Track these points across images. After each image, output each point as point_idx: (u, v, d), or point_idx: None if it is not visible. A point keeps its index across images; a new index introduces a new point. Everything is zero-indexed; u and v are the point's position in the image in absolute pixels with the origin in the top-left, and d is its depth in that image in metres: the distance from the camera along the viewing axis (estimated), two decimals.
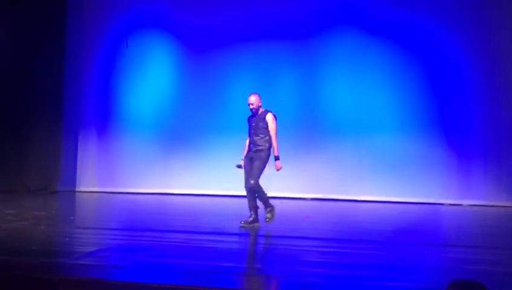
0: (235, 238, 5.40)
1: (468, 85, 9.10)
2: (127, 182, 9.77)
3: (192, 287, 3.60)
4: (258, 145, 5.80)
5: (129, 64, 10.10)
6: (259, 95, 5.96)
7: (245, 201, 5.92)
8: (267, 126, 5.82)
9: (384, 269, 4.18)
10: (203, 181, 9.26)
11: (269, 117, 5.84)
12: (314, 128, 9.54)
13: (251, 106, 5.88)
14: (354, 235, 5.84)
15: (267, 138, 5.82)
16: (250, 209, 5.81)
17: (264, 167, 5.77)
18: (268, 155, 5.80)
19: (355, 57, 9.45)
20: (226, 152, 9.60)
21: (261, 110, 5.92)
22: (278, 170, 5.78)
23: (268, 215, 5.81)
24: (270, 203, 5.86)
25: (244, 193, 5.91)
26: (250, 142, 5.92)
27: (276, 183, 9.41)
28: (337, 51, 9.51)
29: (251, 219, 5.82)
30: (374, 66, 9.40)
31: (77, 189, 10.02)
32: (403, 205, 8.76)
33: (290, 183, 9.42)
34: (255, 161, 5.76)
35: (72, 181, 10.06)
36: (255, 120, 5.88)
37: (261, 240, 5.40)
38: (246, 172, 5.84)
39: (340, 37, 9.48)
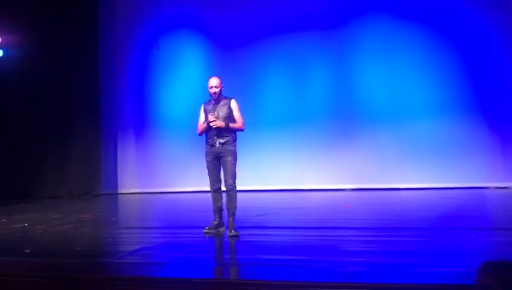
0: (275, 232, 5.39)
1: (507, 65, 8.76)
2: (167, 182, 9.88)
3: (236, 281, 3.61)
4: (224, 136, 5.08)
5: (161, 65, 10.21)
6: (221, 79, 5.23)
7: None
8: (231, 114, 5.15)
9: (430, 255, 4.08)
10: (240, 178, 9.24)
11: (234, 104, 5.15)
12: (350, 117, 9.40)
13: (214, 90, 5.10)
14: (397, 223, 5.74)
15: None
16: (215, 212, 5.20)
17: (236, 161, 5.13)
18: (236, 146, 5.15)
19: (388, 42, 9.25)
20: (262, 147, 9.64)
21: (221, 96, 5.19)
22: (213, 120, 5.00)
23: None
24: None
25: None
26: (210, 134, 5.12)
27: (314, 174, 9.42)
28: (370, 37, 9.32)
29: (215, 222, 5.19)
30: (409, 50, 9.17)
31: (119, 191, 10.21)
32: (446, 190, 8.54)
33: (328, 175, 9.36)
34: (227, 158, 5.07)
35: (114, 184, 10.26)
36: (216, 108, 5.12)
37: (299, 232, 5.36)
38: (213, 171, 5.13)
39: (371, 24, 9.29)
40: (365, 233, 5.17)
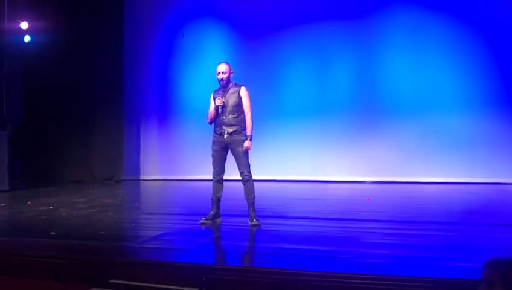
0: (295, 222, 5.42)
1: None
2: (188, 169, 9.96)
3: (256, 269, 3.66)
4: (233, 125, 5.01)
5: (185, 53, 10.27)
6: (229, 65, 5.12)
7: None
8: (241, 102, 5.07)
9: (452, 249, 4.06)
10: (261, 167, 9.25)
11: (244, 92, 5.04)
12: (373, 109, 9.32)
13: (222, 76, 5.01)
14: (419, 216, 5.71)
15: (242, 116, 5.06)
16: (213, 203, 5.15)
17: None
18: (246, 136, 5.05)
19: (414, 34, 9.11)
20: (284, 137, 9.65)
21: (231, 83, 5.10)
22: (246, 150, 5.00)
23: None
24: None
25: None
26: (218, 123, 5.06)
27: (336, 166, 9.40)
28: (396, 28, 9.21)
29: (212, 213, 5.15)
30: (435, 42, 9.02)
31: (141, 177, 10.33)
32: (471, 185, 8.42)
33: (350, 166, 9.32)
34: (237, 148, 4.99)
35: (136, 170, 10.39)
36: (226, 95, 5.04)
37: (320, 223, 5.38)
38: (219, 161, 5.09)
39: (398, 14, 9.18)
40: (386, 226, 5.16)
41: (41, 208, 6.36)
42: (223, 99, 5.04)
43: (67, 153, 9.90)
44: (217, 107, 5.06)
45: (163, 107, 10.53)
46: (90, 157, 10.01)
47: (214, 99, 5.12)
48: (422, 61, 9.09)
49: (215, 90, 5.21)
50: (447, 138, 8.93)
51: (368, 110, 9.33)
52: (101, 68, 9.90)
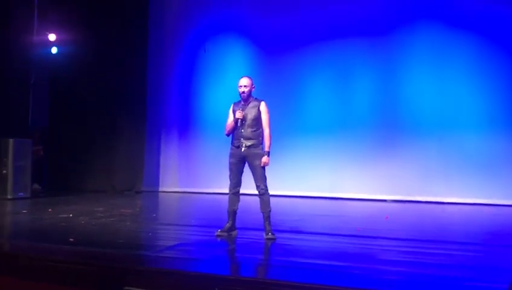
0: (311, 237, 5.42)
1: None
2: (207, 182, 10.02)
3: (267, 280, 3.67)
4: (251, 139, 5.06)
5: (207, 68, 10.42)
6: (252, 79, 5.19)
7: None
8: (260, 117, 5.12)
9: (472, 269, 4.01)
10: (279, 182, 9.27)
11: (264, 107, 5.11)
12: (395, 127, 9.26)
13: (244, 89, 5.09)
14: (439, 236, 5.65)
15: (260, 130, 5.11)
16: (229, 215, 5.19)
17: None
18: (263, 150, 5.10)
19: (437, 51, 9.07)
20: (303, 153, 9.65)
21: (251, 98, 5.17)
22: (264, 166, 5.07)
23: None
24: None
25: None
26: (236, 136, 5.11)
27: (355, 183, 9.34)
28: (418, 46, 9.18)
29: (228, 225, 5.18)
30: (458, 60, 8.95)
31: (160, 189, 10.44)
32: (494, 207, 8.27)
33: (369, 184, 9.25)
34: (254, 161, 5.05)
35: (156, 182, 10.51)
36: (246, 108, 5.10)
37: (336, 239, 5.36)
38: (236, 174, 5.13)
39: (421, 32, 9.15)
40: (404, 244, 5.12)
41: (61, 216, 6.49)
42: (243, 113, 5.11)
43: (89, 162, 10.04)
44: (236, 120, 5.12)
45: (184, 120, 10.67)
46: (111, 168, 10.14)
47: (234, 111, 5.17)
48: (444, 79, 9.02)
49: (235, 103, 5.27)
50: (469, 158, 8.80)
51: (389, 127, 9.28)
52: (125, 80, 10.09)
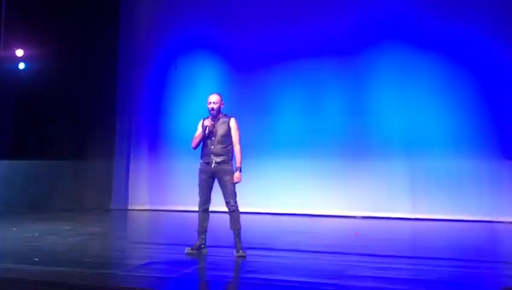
0: (282, 254, 5.43)
1: None
2: (177, 200, 9.94)
3: None
4: (221, 155, 5.12)
5: (178, 84, 10.40)
6: (221, 96, 5.30)
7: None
8: (230, 133, 5.21)
9: (442, 284, 4.07)
10: (250, 199, 9.26)
11: (233, 123, 5.20)
12: (364, 145, 9.40)
13: (213, 106, 5.16)
14: (408, 251, 5.74)
15: (230, 146, 5.19)
16: (199, 233, 5.21)
17: None
18: (232, 165, 5.18)
19: (404, 71, 9.29)
20: (274, 170, 9.69)
21: (221, 114, 5.25)
22: (236, 182, 5.12)
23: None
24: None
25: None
26: (206, 152, 5.16)
27: (325, 200, 9.43)
28: (386, 65, 9.40)
29: (198, 243, 5.21)
30: (425, 80, 9.19)
31: (130, 207, 10.31)
32: (459, 222, 8.48)
33: (339, 201, 9.35)
34: (224, 177, 5.09)
35: (125, 200, 10.37)
36: (216, 125, 5.18)
37: (307, 255, 5.39)
38: (206, 189, 5.17)
39: (388, 52, 9.39)
40: (374, 260, 5.16)
41: (27, 235, 6.32)
42: (213, 123, 5.13)
43: (56, 181, 9.87)
44: (204, 129, 5.12)
45: (154, 136, 10.58)
46: (79, 186, 9.99)
47: (203, 126, 5.19)
48: (411, 98, 9.22)
49: (204, 118, 5.29)
50: (435, 175, 9.00)
51: (358, 145, 9.41)
52: (94, 96, 9.99)
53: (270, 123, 9.98)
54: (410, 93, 9.25)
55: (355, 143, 9.44)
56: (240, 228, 5.13)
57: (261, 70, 10.02)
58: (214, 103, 5.19)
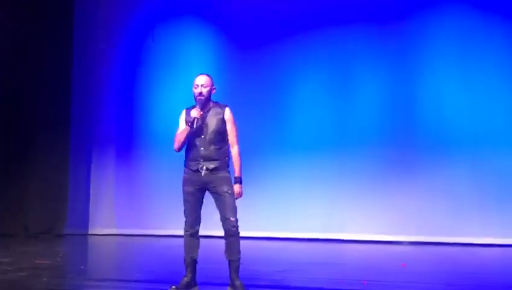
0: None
1: None
2: (155, 221, 10.01)
3: None
4: (214, 160, 5.04)
5: (156, 64, 10.46)
6: (212, 79, 5.20)
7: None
8: (225, 129, 5.14)
9: None
10: (254, 220, 9.20)
11: (229, 114, 5.15)
12: (411, 146, 9.45)
13: (201, 89, 5.07)
14: (472, 288, 5.67)
15: (225, 147, 5.14)
16: (187, 266, 5.16)
17: None
18: (229, 173, 5.14)
19: (466, 44, 9.32)
20: (287, 181, 9.65)
21: (211, 102, 5.17)
22: (237, 197, 5.09)
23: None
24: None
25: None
26: (193, 156, 5.09)
27: (358, 220, 9.39)
28: (441, 36, 9.41)
29: (186, 279, 5.12)
30: (494, 55, 9.22)
31: (90, 232, 10.37)
32: None
33: (377, 222, 9.38)
34: (221, 188, 5.02)
35: (84, 222, 10.43)
36: (205, 117, 5.10)
37: None
38: (194, 206, 5.11)
39: (443, 17, 9.39)
40: None
41: None
42: (201, 112, 5.06)
43: None
44: (191, 122, 5.02)
45: (123, 136, 10.65)
46: (22, 204, 10.01)
47: (186, 121, 5.13)
48: (476, 81, 9.25)
49: (187, 108, 5.22)
50: (510, 186, 9.00)
51: (402, 146, 9.45)
52: (40, 87, 10.05)
53: (279, 118, 10.01)
54: (474, 74, 9.26)
55: (399, 143, 9.47)
56: (240, 258, 5.08)
57: (270, 44, 10.07)
58: (202, 86, 5.13)
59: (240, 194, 5.10)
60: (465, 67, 9.32)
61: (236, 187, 5.07)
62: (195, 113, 5.04)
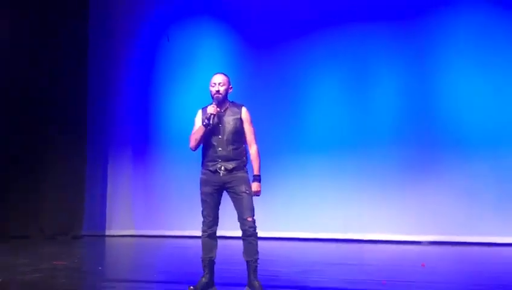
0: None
1: None
2: (172, 222, 10.03)
3: None
4: (233, 160, 5.07)
5: (171, 64, 10.46)
6: (229, 78, 5.23)
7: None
8: (243, 129, 5.17)
9: None
10: (272, 220, 9.19)
11: (246, 114, 5.17)
12: (431, 144, 9.42)
13: (218, 88, 5.09)
14: (496, 288, 5.62)
15: (243, 146, 5.17)
16: (205, 267, 5.15)
17: None
18: (247, 172, 5.16)
19: (488, 40, 9.24)
20: (305, 181, 9.63)
21: (228, 102, 5.20)
22: (256, 195, 5.11)
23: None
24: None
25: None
26: (211, 156, 5.11)
27: (377, 220, 9.35)
28: (459, 32, 9.37)
29: (204, 279, 5.13)
30: None
31: (108, 233, 10.42)
32: None
33: (398, 221, 9.34)
34: (239, 187, 5.04)
35: (101, 223, 10.48)
36: (222, 117, 5.12)
37: None
38: (212, 207, 5.11)
39: (462, 13, 9.35)
40: None
41: None
42: (218, 109, 5.07)
43: (10, 200, 9.94)
44: (208, 120, 5.01)
45: (140, 137, 10.68)
46: (39, 205, 10.06)
47: (203, 121, 5.13)
48: (499, 77, 9.19)
49: (204, 108, 5.24)
50: None
51: (422, 145, 9.43)
52: (57, 88, 10.11)
53: (296, 117, 10.01)
54: (497, 71, 9.19)
55: (419, 142, 9.45)
56: (258, 259, 5.08)
57: (287, 43, 10.06)
58: (220, 84, 5.14)
59: (259, 192, 5.12)
60: (484, 65, 9.28)
61: (255, 185, 5.10)
62: (211, 109, 5.06)
